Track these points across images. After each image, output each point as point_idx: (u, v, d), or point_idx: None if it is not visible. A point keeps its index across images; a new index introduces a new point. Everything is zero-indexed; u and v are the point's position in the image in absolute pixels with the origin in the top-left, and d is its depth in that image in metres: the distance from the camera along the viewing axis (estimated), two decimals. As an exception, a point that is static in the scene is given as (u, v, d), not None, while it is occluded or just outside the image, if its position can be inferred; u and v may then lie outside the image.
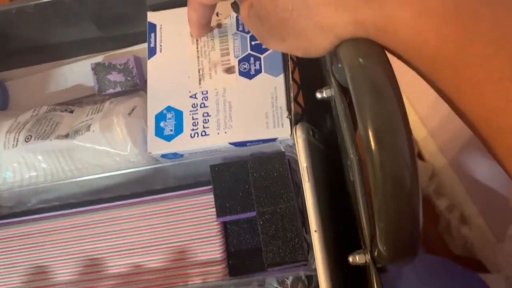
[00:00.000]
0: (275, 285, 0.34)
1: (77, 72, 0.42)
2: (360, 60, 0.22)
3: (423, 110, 0.92)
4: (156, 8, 0.38)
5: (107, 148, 0.35)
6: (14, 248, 0.37)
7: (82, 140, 0.35)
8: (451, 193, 0.90)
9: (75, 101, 0.43)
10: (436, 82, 0.23)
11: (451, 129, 0.86)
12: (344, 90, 0.29)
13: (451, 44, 0.20)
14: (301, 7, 0.24)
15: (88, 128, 0.36)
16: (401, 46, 0.22)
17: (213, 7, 0.34)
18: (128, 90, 0.40)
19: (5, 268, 0.37)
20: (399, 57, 0.23)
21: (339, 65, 0.26)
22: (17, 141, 0.37)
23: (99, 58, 0.42)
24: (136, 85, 0.40)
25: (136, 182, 0.37)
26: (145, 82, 0.40)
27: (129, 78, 0.40)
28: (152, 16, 0.38)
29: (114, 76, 0.40)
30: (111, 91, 0.40)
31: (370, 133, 0.21)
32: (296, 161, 0.34)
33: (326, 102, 0.35)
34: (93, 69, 0.40)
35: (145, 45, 0.41)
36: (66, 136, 0.36)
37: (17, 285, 0.36)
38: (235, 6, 0.34)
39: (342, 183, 0.33)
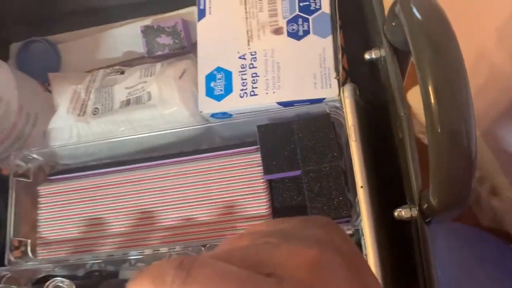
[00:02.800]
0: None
1: (126, 35, 0.44)
2: (419, 15, 0.22)
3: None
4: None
5: (161, 110, 0.37)
6: (72, 201, 0.39)
7: (141, 107, 0.37)
8: (482, 165, 0.89)
9: (124, 63, 0.44)
10: None
11: (483, 100, 0.85)
12: (395, 50, 0.30)
13: None
14: None
15: (145, 93, 0.37)
16: None
17: None
18: (175, 52, 0.41)
19: (63, 220, 0.39)
20: None
21: (393, 24, 0.27)
22: (84, 112, 0.39)
23: (147, 21, 0.43)
24: (184, 47, 0.41)
25: (185, 142, 0.39)
26: (192, 45, 0.41)
27: (177, 41, 0.41)
28: (200, -21, 0.39)
29: (163, 39, 0.41)
30: (159, 53, 0.41)
31: (430, 88, 0.21)
32: (340, 124, 0.35)
33: (368, 65, 0.36)
34: (142, 31, 0.41)
35: (192, 8, 0.42)
36: (127, 103, 0.38)
37: (75, 235, 0.39)
38: None
39: (385, 142, 0.34)
